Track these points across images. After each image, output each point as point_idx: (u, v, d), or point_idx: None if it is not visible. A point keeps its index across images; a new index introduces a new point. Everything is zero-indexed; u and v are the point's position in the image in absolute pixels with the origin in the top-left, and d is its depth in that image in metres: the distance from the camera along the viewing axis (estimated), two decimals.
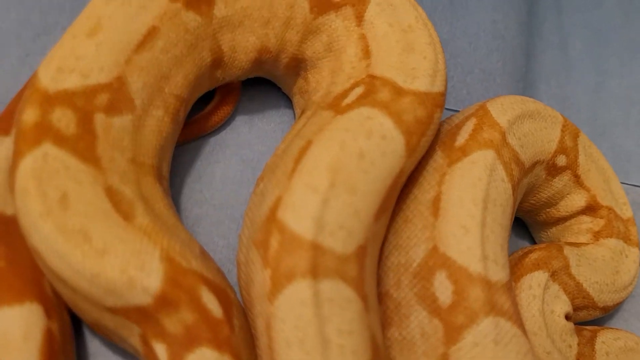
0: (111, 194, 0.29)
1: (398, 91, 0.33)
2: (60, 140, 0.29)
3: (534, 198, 0.42)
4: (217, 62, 0.36)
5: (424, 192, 0.35)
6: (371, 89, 0.33)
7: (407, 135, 0.32)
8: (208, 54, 0.35)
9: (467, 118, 0.37)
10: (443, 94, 0.34)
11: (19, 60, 0.40)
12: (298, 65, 0.38)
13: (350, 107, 0.33)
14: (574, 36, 0.57)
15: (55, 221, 0.28)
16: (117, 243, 0.28)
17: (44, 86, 0.30)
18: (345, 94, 0.34)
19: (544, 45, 0.55)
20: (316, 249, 0.28)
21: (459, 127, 0.37)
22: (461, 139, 0.36)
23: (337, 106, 0.33)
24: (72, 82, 0.30)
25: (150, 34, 0.32)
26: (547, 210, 0.43)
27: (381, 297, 0.34)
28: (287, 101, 0.42)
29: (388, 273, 0.34)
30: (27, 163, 0.28)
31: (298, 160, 0.31)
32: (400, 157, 0.32)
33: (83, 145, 0.30)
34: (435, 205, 0.34)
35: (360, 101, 0.33)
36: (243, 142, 0.41)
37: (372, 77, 0.34)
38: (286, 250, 0.29)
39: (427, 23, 0.36)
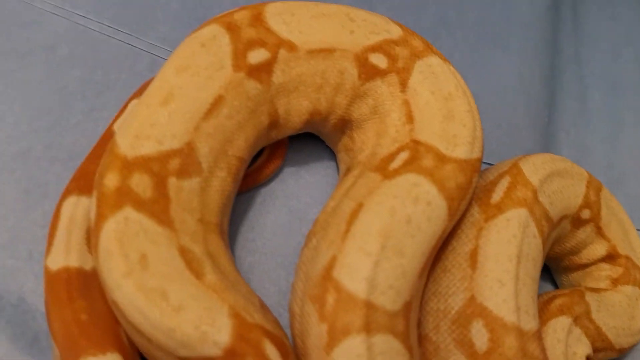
0: (184, 253, 0.31)
1: (441, 158, 0.35)
2: (138, 204, 0.31)
3: (559, 247, 0.45)
4: (273, 124, 0.38)
5: (462, 245, 0.37)
6: (416, 155, 0.35)
7: (449, 201, 0.34)
8: (266, 117, 0.37)
9: (501, 176, 0.39)
10: (480, 160, 0.37)
11: (84, 115, 0.42)
12: (345, 125, 0.40)
13: (397, 172, 0.35)
14: (592, 88, 0.58)
15: (136, 280, 0.30)
16: (190, 300, 0.30)
17: (123, 153, 0.32)
18: (391, 157, 0.36)
19: (564, 96, 0.57)
20: (369, 307, 0.31)
21: (493, 184, 0.39)
22: (496, 196, 0.38)
23: (384, 170, 0.36)
24: (148, 148, 0.32)
25: (217, 103, 0.34)
26: (570, 257, 0.45)
27: (420, 339, 0.37)
28: (331, 154, 0.45)
29: (427, 317, 0.36)
30: (110, 226, 0.30)
31: (350, 222, 0.33)
32: (443, 221, 0.34)
33: (158, 209, 0.31)
34: (473, 258, 0.36)
35: (407, 167, 0.35)
36: (291, 193, 0.43)
37: (416, 142, 0.36)
38: (342, 308, 0.31)
39: (466, 91, 0.39)
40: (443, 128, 0.37)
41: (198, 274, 0.31)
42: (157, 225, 0.31)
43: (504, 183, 0.38)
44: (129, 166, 0.31)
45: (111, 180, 0.31)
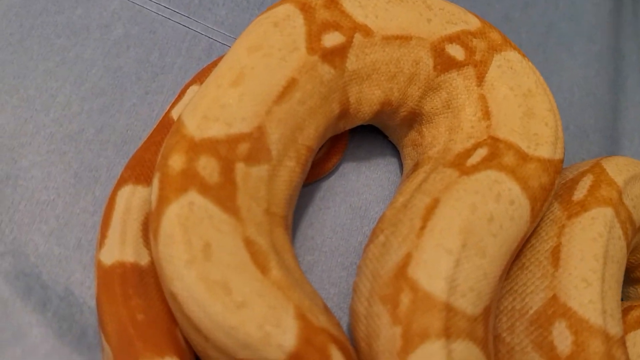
0: (249, 245, 0.29)
1: (523, 156, 0.33)
2: (204, 188, 0.29)
3: (634, 257, 0.42)
4: (344, 113, 0.36)
5: (542, 242, 0.36)
6: (495, 152, 0.34)
7: (532, 201, 0.33)
8: (337, 105, 0.35)
9: (582, 174, 0.38)
10: (562, 161, 0.35)
11: (139, 98, 0.40)
12: (414, 119, 0.39)
13: (476, 168, 0.33)
14: None
15: (198, 270, 0.28)
16: (255, 297, 0.28)
17: (190, 133, 0.30)
18: (467, 153, 0.35)
19: (628, 102, 0.55)
20: (449, 309, 0.29)
21: (574, 181, 0.38)
22: (579, 194, 0.36)
23: (461, 165, 0.34)
24: (216, 130, 0.30)
25: (290, 86, 0.32)
26: None
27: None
28: (393, 150, 0.43)
29: (500, 317, 0.35)
30: (174, 210, 0.28)
31: (426, 217, 0.31)
32: (525, 222, 0.32)
33: (225, 195, 0.30)
34: (555, 256, 0.34)
35: (486, 163, 0.33)
36: (351, 189, 0.41)
37: (495, 139, 0.35)
38: (419, 309, 0.29)
39: (546, 88, 0.37)
40: (523, 125, 0.35)
41: (263, 269, 0.29)
42: (223, 213, 0.29)
43: (587, 181, 0.37)
44: (196, 148, 0.30)
45: (176, 161, 0.29)
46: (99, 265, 0.31)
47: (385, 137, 0.43)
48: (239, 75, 0.31)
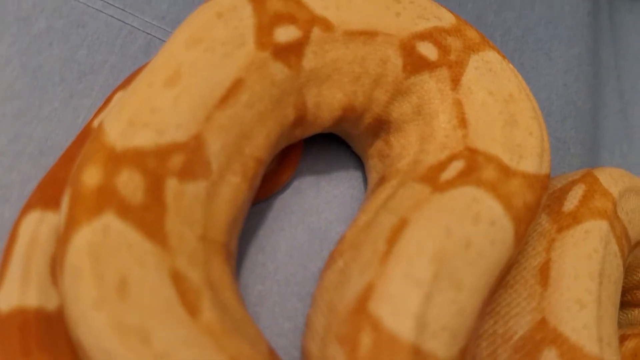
0: (177, 280, 0.25)
1: (505, 171, 0.30)
2: (125, 210, 0.24)
3: (627, 279, 0.40)
4: (300, 119, 0.32)
5: (528, 258, 0.32)
6: (473, 165, 0.30)
7: (516, 223, 0.29)
8: (292, 110, 0.31)
9: (572, 183, 0.35)
10: (549, 176, 0.31)
11: (61, 102, 0.35)
12: (380, 127, 0.34)
13: (451, 184, 0.29)
14: (633, 104, 0.54)
15: (110, 313, 0.23)
16: (180, 347, 0.23)
17: (111, 142, 0.25)
18: (441, 166, 0.31)
19: (607, 111, 0.51)
20: (417, 353, 0.25)
21: (564, 191, 0.35)
22: (570, 204, 0.34)
23: (433, 180, 0.30)
24: (144, 138, 0.26)
25: (235, 87, 0.28)
26: (636, 292, 0.41)
27: None
28: (357, 161, 0.38)
29: (479, 342, 0.31)
30: (84, 236, 0.24)
31: (392, 241, 0.27)
32: (508, 247, 0.28)
33: (150, 218, 0.25)
34: (544, 274, 0.31)
35: (463, 178, 0.29)
36: (309, 207, 0.36)
37: (473, 150, 0.31)
38: (382, 353, 0.25)
39: (529, 93, 0.33)
40: (505, 135, 0.31)
41: (193, 310, 0.24)
42: (147, 240, 0.25)
43: (578, 191, 0.34)
44: (117, 160, 0.25)
45: (92, 175, 0.25)
46: None
47: (348, 146, 0.38)
48: (175, 74, 0.27)
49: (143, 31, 0.38)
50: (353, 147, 0.38)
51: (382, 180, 0.34)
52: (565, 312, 0.30)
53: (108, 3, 0.38)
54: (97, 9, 0.38)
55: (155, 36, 0.38)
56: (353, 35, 0.31)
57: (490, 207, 0.28)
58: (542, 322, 0.30)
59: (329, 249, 0.35)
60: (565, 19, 0.51)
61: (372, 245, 0.28)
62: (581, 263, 0.31)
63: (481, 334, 0.31)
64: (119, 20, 0.38)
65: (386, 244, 0.27)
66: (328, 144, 0.38)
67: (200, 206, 0.27)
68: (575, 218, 0.33)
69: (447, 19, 0.34)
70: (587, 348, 0.29)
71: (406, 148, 0.34)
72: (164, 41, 0.38)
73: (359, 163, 0.38)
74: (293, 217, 0.36)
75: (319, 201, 0.37)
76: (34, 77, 0.35)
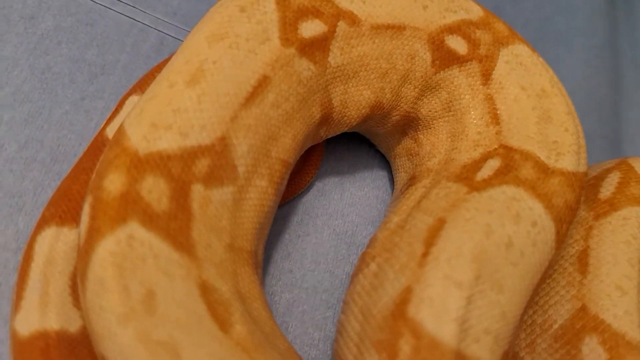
0: (206, 292, 0.23)
1: (544, 169, 0.29)
2: (149, 218, 0.23)
3: None
4: (325, 118, 0.30)
5: (566, 246, 0.32)
6: (511, 164, 0.29)
7: (557, 223, 0.28)
8: (318, 109, 0.29)
9: (608, 171, 0.34)
10: (586, 174, 0.30)
11: (73, 105, 0.33)
12: (408, 124, 0.33)
13: (488, 183, 0.28)
14: None
15: (137, 327, 0.21)
16: None
17: (134, 146, 0.24)
18: (476, 165, 0.30)
19: (627, 103, 0.50)
20: (460, 358, 0.24)
21: (599, 179, 0.34)
22: (606, 191, 0.33)
23: (469, 180, 0.29)
24: (168, 142, 0.24)
25: (261, 86, 0.26)
26: None
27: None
28: (382, 161, 0.37)
29: (518, 333, 0.30)
30: (108, 246, 0.22)
31: (429, 242, 0.26)
32: (550, 248, 0.27)
33: (176, 227, 0.23)
34: (582, 261, 0.30)
35: (500, 177, 0.28)
36: (334, 211, 0.35)
37: (508, 148, 0.30)
38: (423, 359, 0.24)
39: (561, 88, 0.32)
40: (540, 132, 0.30)
41: (224, 324, 0.23)
42: (173, 250, 0.23)
43: (614, 178, 0.34)
44: (140, 165, 0.24)
45: (114, 182, 0.23)
46: (14, 336, 0.24)
47: (371, 145, 0.37)
48: (198, 72, 0.26)
49: (154, 29, 0.36)
50: (378, 146, 0.36)
51: (413, 180, 0.32)
52: (605, 298, 0.29)
53: (117, 0, 0.36)
54: (105, 6, 0.36)
55: (167, 34, 0.36)
56: (380, 29, 0.30)
57: (530, 207, 0.27)
58: (582, 310, 0.29)
59: (356, 254, 0.34)
60: (583, 8, 0.49)
61: (408, 247, 0.27)
62: (620, 249, 0.30)
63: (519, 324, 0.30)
64: (129, 17, 0.36)
65: (423, 246, 0.26)
66: (351, 142, 0.37)
67: (227, 213, 0.25)
68: (612, 205, 0.32)
69: (475, 11, 0.33)
70: (629, 335, 0.28)
71: (436, 146, 0.32)
72: (177, 39, 0.36)
73: (384, 162, 0.37)
74: (318, 221, 0.34)
75: (343, 203, 0.35)
76: (43, 79, 0.34)
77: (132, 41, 0.36)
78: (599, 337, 0.28)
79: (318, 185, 0.35)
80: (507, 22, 0.45)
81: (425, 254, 0.26)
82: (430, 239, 0.26)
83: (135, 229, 0.23)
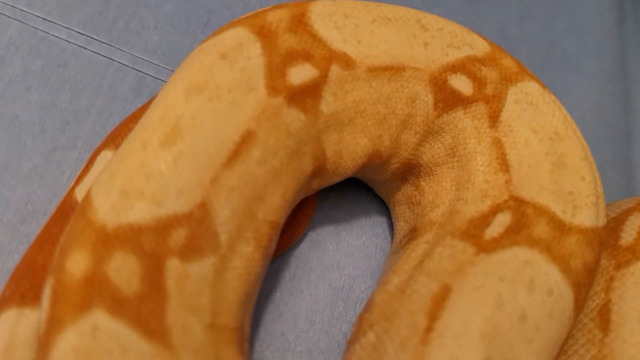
0: None
1: (559, 226, 0.26)
2: (117, 303, 0.21)
3: None
4: (318, 170, 0.27)
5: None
6: (522, 220, 0.26)
7: (576, 289, 0.25)
8: (309, 161, 0.27)
9: (628, 212, 0.31)
10: (605, 227, 0.27)
11: (43, 157, 0.30)
12: (409, 171, 0.31)
13: (498, 243, 0.26)
14: None
15: None
16: None
17: (101, 218, 0.21)
18: (484, 220, 0.27)
19: (639, 130, 0.47)
20: None
21: (619, 222, 0.31)
22: (628, 237, 0.30)
23: (477, 237, 0.26)
24: (140, 212, 0.22)
25: (245, 142, 0.24)
26: None
27: None
28: (380, 205, 0.34)
29: None
30: (69, 340, 0.20)
31: (434, 314, 0.24)
32: (569, 317, 0.25)
33: (148, 311, 0.21)
34: (603, 317, 0.28)
35: (512, 236, 0.26)
36: (330, 263, 0.32)
37: (519, 200, 0.27)
38: None
39: (575, 129, 0.29)
40: (554, 181, 0.27)
41: None
42: (144, 340, 0.21)
43: (635, 221, 0.31)
44: (108, 241, 0.21)
45: (78, 263, 0.21)
46: None
47: (369, 189, 0.34)
48: (174, 130, 0.23)
49: (132, 68, 0.34)
50: (376, 191, 0.34)
51: (414, 233, 0.30)
52: None
53: (91, 37, 0.34)
54: (79, 45, 0.33)
55: (146, 73, 0.34)
56: (377, 71, 0.27)
57: (546, 273, 0.25)
58: None
59: (354, 311, 0.31)
60: (592, 28, 0.47)
61: (410, 317, 0.24)
62: None
63: None
64: (105, 56, 0.33)
65: (427, 318, 0.24)
66: (346, 187, 0.34)
67: (208, 288, 0.23)
68: (634, 253, 0.29)
69: (479, 46, 0.30)
70: None
71: (440, 195, 0.30)
72: (157, 78, 0.34)
73: (383, 207, 0.34)
74: (312, 276, 0.31)
75: (339, 254, 0.32)
76: (11, 128, 0.31)
77: (108, 83, 0.33)
78: None
79: (311, 235, 0.32)
80: (513, 45, 0.43)
81: (428, 329, 0.23)
82: (435, 311, 0.24)
83: (100, 317, 0.20)
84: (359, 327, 0.26)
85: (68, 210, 0.26)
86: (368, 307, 0.27)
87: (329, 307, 0.31)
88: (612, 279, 0.29)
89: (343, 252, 0.32)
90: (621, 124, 0.44)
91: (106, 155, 0.28)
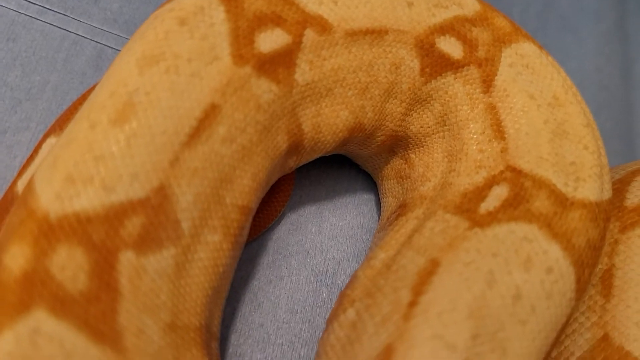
0: None
1: (560, 200, 0.24)
2: (61, 303, 0.19)
3: None
4: (294, 147, 0.25)
5: None
6: (520, 193, 0.25)
7: (578, 268, 0.23)
8: (284, 138, 0.24)
9: (633, 174, 0.30)
10: (611, 201, 0.26)
11: None
12: (396, 143, 0.28)
13: (494, 217, 0.24)
14: None
15: None
16: None
17: (44, 207, 0.19)
18: (479, 193, 0.25)
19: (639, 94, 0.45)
20: None
21: (624, 183, 0.30)
22: (634, 197, 0.29)
23: (470, 212, 0.24)
24: (88, 199, 0.19)
25: (209, 117, 0.22)
26: None
27: None
28: (365, 181, 0.32)
29: None
30: (5, 346, 0.18)
31: (418, 289, 0.22)
32: (569, 300, 0.23)
33: (97, 312, 0.19)
34: (606, 282, 0.27)
35: (509, 211, 0.24)
36: (311, 246, 0.30)
37: (517, 171, 0.25)
38: None
39: (576, 93, 0.27)
40: (555, 151, 0.26)
41: None
42: (92, 344, 0.19)
43: None
44: (51, 233, 0.19)
45: (17, 258, 0.19)
46: None
47: (353, 164, 0.32)
48: (127, 106, 0.21)
49: (91, 39, 0.31)
50: (362, 166, 0.32)
51: (403, 208, 0.28)
52: (633, 327, 0.25)
53: (44, 7, 0.31)
54: (30, 16, 0.31)
55: (106, 45, 0.31)
56: (356, 35, 0.25)
57: (545, 250, 0.23)
58: (605, 340, 0.26)
59: None
60: None
61: (393, 293, 0.23)
62: None
63: None
64: (60, 28, 0.31)
65: (411, 293, 0.22)
66: (329, 162, 0.32)
67: (168, 284, 0.21)
68: None
69: (469, 5, 0.28)
70: None
71: (431, 168, 0.28)
72: (117, 50, 0.31)
73: (368, 183, 0.32)
74: (293, 261, 0.29)
75: (322, 237, 0.30)
76: None
77: (64, 57, 0.30)
78: None
79: (291, 216, 0.30)
80: (506, 7, 0.40)
81: (412, 304, 0.22)
82: (420, 286, 0.22)
83: (41, 319, 0.18)
84: (340, 303, 0.25)
85: (8, 207, 0.24)
86: (350, 283, 0.26)
87: (311, 294, 0.29)
88: (616, 242, 0.28)
89: (326, 234, 0.30)
90: (620, 88, 0.42)
91: (52, 142, 0.25)
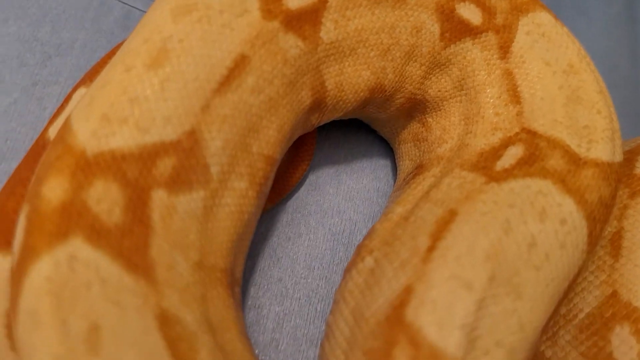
0: (166, 325, 0.19)
1: (574, 160, 0.25)
2: (97, 233, 0.19)
3: None
4: (317, 104, 0.26)
5: None
6: (535, 152, 0.25)
7: (590, 222, 0.24)
8: (308, 93, 0.25)
9: None
10: (622, 164, 0.27)
11: (23, 92, 0.29)
12: (414, 107, 0.29)
13: (510, 173, 0.24)
14: None
15: None
16: None
17: (81, 144, 0.20)
18: (495, 152, 0.26)
19: None
20: None
21: (634, 153, 0.31)
22: None
23: (487, 169, 0.25)
24: (123, 138, 0.20)
25: (239, 67, 0.22)
26: None
27: None
28: (382, 147, 0.32)
29: (538, 347, 0.28)
30: (44, 270, 0.18)
31: (437, 236, 0.23)
32: (581, 252, 0.24)
33: (131, 244, 0.19)
34: (615, 244, 0.28)
35: (524, 168, 0.24)
36: (329, 207, 0.30)
37: (532, 133, 0.26)
38: None
39: (589, 62, 0.28)
40: (569, 115, 0.26)
41: None
42: (126, 273, 0.19)
43: None
44: (88, 168, 0.20)
45: (55, 190, 0.19)
46: None
47: (371, 130, 0.32)
48: (161, 52, 0.21)
49: (118, 1, 0.32)
50: (379, 131, 0.32)
51: (420, 169, 0.29)
52: None
53: None
54: None
55: (133, 6, 0.32)
56: None
57: (559, 203, 0.23)
58: (613, 297, 0.26)
59: None
60: None
61: (411, 240, 0.23)
62: None
63: None
64: None
65: (429, 239, 0.23)
66: (348, 128, 0.32)
67: (196, 224, 0.21)
68: None
69: None
70: None
71: (448, 130, 0.28)
72: (145, 12, 0.32)
73: (385, 149, 0.33)
74: (311, 220, 0.30)
75: (339, 198, 0.31)
76: None
77: (92, 16, 0.31)
78: (631, 327, 0.26)
79: (310, 178, 0.31)
80: None
81: (430, 248, 0.22)
82: (438, 233, 0.23)
83: (78, 247, 0.19)
84: (358, 253, 0.25)
85: (41, 152, 0.25)
86: (368, 236, 0.26)
87: (328, 252, 0.29)
88: (625, 207, 0.28)
89: (343, 196, 0.31)
90: (629, 70, 0.42)
91: (82, 93, 0.26)
